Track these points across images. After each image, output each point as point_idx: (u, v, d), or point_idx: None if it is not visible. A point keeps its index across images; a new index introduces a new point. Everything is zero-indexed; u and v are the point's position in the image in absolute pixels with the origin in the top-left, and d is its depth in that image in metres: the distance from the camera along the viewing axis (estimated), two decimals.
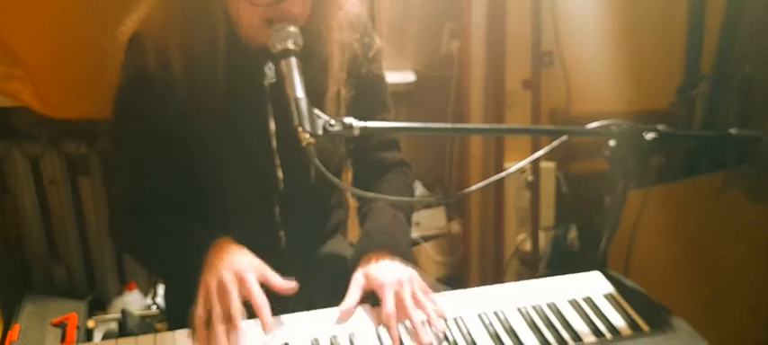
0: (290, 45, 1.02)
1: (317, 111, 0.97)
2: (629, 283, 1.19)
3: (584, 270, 1.23)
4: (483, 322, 1.05)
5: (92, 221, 1.88)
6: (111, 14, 1.53)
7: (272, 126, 1.17)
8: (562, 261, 2.00)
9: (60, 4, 1.58)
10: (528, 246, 2.04)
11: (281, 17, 1.04)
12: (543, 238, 2.06)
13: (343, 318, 1.05)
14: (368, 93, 1.26)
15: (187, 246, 1.07)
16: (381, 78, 1.30)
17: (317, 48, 1.14)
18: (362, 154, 1.32)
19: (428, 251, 2.18)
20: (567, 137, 1.15)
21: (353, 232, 1.56)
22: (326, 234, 1.38)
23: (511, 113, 1.98)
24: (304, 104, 0.96)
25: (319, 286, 1.14)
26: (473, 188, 1.19)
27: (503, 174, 1.16)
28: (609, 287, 1.18)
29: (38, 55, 1.62)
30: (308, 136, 0.94)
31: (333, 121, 0.96)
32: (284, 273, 1.02)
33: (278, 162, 1.19)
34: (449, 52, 2.16)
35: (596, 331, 1.05)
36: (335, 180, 0.98)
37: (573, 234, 2.02)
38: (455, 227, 2.19)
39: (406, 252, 1.12)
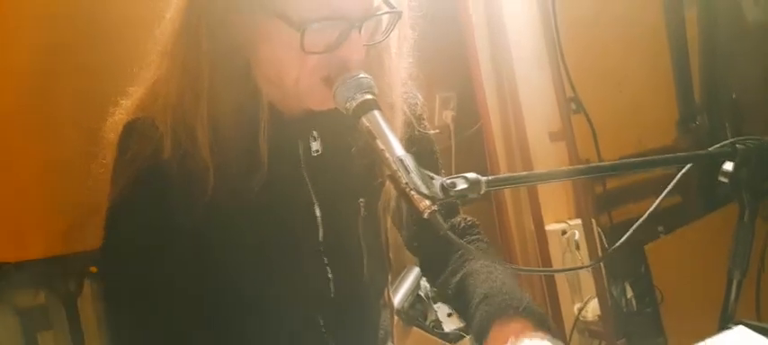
0: (369, 95, 0.79)
1: (425, 171, 0.74)
2: None
3: (655, 332, 1.02)
4: None
5: None
6: (73, 112, 1.30)
7: (318, 212, 0.94)
8: (632, 326, 1.82)
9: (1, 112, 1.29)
10: (589, 314, 1.85)
11: (341, 67, 0.82)
12: (593, 302, 1.88)
13: None
14: (423, 155, 1.05)
15: None
16: (430, 137, 1.10)
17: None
18: (427, 232, 1.08)
19: None
20: (690, 164, 0.98)
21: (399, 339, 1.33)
22: (380, 343, 1.13)
23: (540, 164, 1.85)
24: (412, 162, 0.73)
25: None
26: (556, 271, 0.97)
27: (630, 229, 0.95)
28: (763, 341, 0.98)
29: None
30: (427, 202, 0.71)
31: (449, 180, 0.73)
32: None
33: (326, 259, 0.96)
34: (443, 122, 2.08)
35: None
36: (459, 241, 0.77)
37: (629, 292, 1.85)
38: None
39: (546, 320, 0.88)
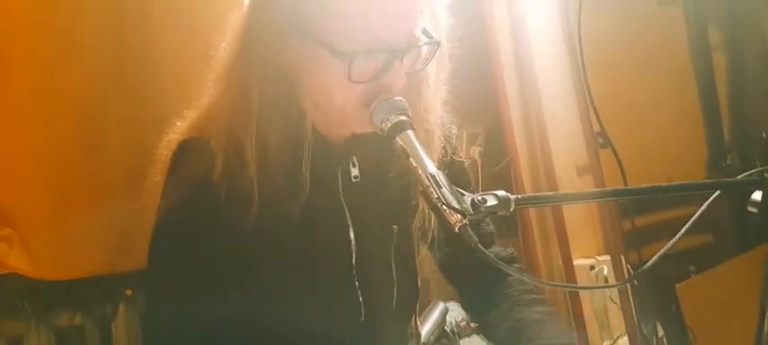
0: (404, 116, 0.83)
1: (456, 188, 0.77)
2: None
3: None
4: None
5: None
6: (118, 140, 1.36)
7: (353, 236, 0.97)
8: None
9: (53, 138, 1.35)
10: None
11: (382, 93, 0.86)
12: (623, 340, 1.83)
13: None
14: (460, 182, 1.07)
15: None
16: (463, 165, 1.13)
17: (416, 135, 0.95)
18: (464, 254, 1.09)
19: None
20: (719, 191, 0.98)
21: None
22: None
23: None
24: (444, 179, 0.76)
25: None
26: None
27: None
28: None
29: (30, 205, 1.36)
30: (458, 216, 0.73)
31: (481, 196, 0.76)
32: None
33: (358, 283, 0.98)
34: (471, 158, 2.07)
35: None
36: (490, 255, 0.76)
37: (660, 331, 1.81)
38: None
39: None
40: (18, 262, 1.38)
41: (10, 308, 1.49)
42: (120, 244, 1.41)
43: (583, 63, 1.79)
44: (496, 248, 1.13)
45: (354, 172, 0.96)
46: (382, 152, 0.94)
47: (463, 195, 0.76)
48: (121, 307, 1.57)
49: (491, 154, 2.08)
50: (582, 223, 1.94)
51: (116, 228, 1.38)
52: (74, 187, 1.37)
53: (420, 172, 0.78)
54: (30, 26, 1.28)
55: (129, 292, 1.55)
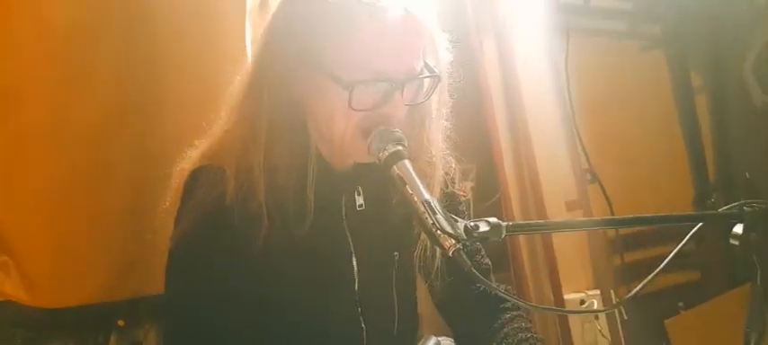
0: (400, 146, 0.87)
1: (450, 215, 0.80)
2: None
3: None
4: None
5: None
6: (121, 172, 1.38)
7: (355, 264, 0.99)
8: None
9: (58, 169, 1.36)
10: None
11: (383, 123, 0.90)
12: None
13: None
14: (457, 211, 1.11)
15: None
16: (460, 196, 1.16)
17: (419, 167, 0.98)
18: (462, 289, 1.11)
19: None
20: (702, 223, 1.02)
21: None
22: None
23: (558, 235, 1.86)
24: (438, 205, 0.80)
25: None
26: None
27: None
28: None
29: (30, 233, 1.36)
30: (452, 241, 0.76)
31: (473, 223, 0.79)
32: None
33: (360, 309, 1.00)
34: (462, 192, 2.10)
35: None
36: (482, 278, 0.78)
37: None
38: None
39: None
40: (14, 290, 1.37)
41: (2, 337, 1.48)
42: (116, 274, 1.41)
43: (572, 103, 1.85)
44: (492, 283, 1.14)
45: (359, 200, 0.99)
46: (385, 182, 0.95)
47: (457, 221, 0.79)
48: (113, 337, 1.57)
49: (483, 189, 2.11)
50: (572, 258, 1.96)
51: (113, 257, 1.39)
52: (74, 216, 1.37)
53: (415, 198, 0.81)
54: (41, 61, 1.31)
55: (120, 323, 1.55)
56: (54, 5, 1.31)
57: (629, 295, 0.90)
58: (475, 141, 2.05)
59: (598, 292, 1.92)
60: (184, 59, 1.41)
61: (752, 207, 1.01)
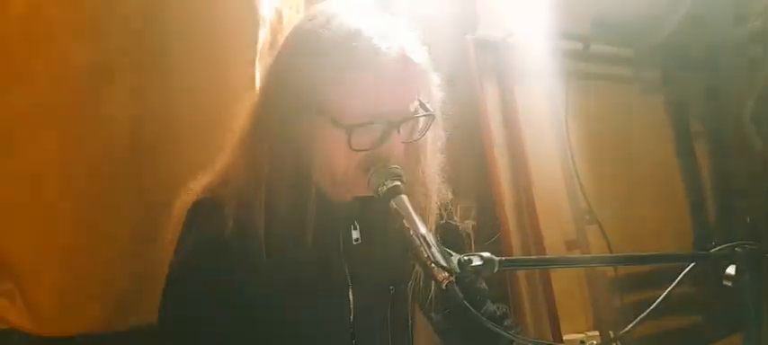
0: (398, 182, 0.91)
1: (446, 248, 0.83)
2: None
3: None
4: None
5: None
6: (127, 202, 1.40)
7: (351, 296, 1.02)
8: None
9: (65, 197, 1.38)
10: None
11: (381, 161, 0.93)
12: None
13: None
14: (454, 243, 1.13)
15: None
16: (458, 228, 1.19)
17: (415, 200, 1.01)
18: (460, 317, 1.12)
19: None
20: (694, 262, 1.04)
21: None
22: None
23: (558, 276, 1.87)
24: (433, 239, 0.83)
25: None
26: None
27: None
28: None
29: (35, 260, 1.38)
30: (446, 274, 0.79)
31: (466, 256, 0.82)
32: None
33: (355, 342, 1.02)
34: (464, 231, 2.10)
35: None
36: (476, 312, 0.79)
37: None
38: None
39: None
40: (18, 319, 1.38)
41: None
42: (120, 302, 1.42)
43: (570, 143, 1.88)
44: (490, 306, 1.16)
45: (355, 234, 1.02)
46: (381, 216, 0.98)
47: (451, 255, 0.82)
48: None
49: (483, 228, 2.13)
50: (572, 299, 1.97)
51: (117, 286, 1.40)
52: (80, 244, 1.38)
53: (411, 232, 0.84)
54: (55, 98, 1.34)
55: None
56: (71, 45, 1.35)
57: (624, 331, 0.91)
58: (475, 180, 2.08)
59: (597, 333, 1.92)
60: (198, 91, 1.43)
61: (744, 248, 1.04)
